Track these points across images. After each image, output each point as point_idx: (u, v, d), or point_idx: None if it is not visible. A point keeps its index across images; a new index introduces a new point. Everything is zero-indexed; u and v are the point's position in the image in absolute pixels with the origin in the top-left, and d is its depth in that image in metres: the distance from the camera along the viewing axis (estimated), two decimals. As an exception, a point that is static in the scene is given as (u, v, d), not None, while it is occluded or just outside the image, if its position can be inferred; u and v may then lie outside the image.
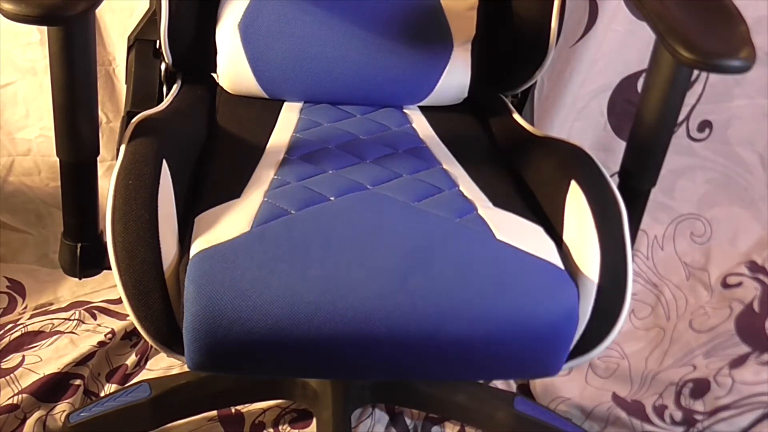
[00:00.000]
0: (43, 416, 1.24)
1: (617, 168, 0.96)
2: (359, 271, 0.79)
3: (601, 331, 0.85)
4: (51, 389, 1.28)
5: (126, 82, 1.13)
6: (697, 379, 1.45)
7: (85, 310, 1.44)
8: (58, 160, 0.85)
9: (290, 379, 1.24)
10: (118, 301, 1.37)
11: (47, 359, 1.33)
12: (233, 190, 0.89)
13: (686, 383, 1.44)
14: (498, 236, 0.87)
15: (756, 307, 1.55)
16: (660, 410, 1.40)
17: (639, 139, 0.93)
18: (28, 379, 1.29)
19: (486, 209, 0.92)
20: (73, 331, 1.39)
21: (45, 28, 0.78)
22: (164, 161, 0.83)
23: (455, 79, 1.13)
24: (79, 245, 0.88)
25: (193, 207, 0.87)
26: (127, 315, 0.84)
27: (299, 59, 1.09)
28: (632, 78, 1.51)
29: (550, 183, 0.95)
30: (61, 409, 1.25)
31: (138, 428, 1.22)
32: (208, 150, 1.00)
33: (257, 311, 0.76)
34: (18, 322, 1.40)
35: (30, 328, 1.39)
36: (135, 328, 0.81)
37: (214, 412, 1.29)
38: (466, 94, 1.16)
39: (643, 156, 0.93)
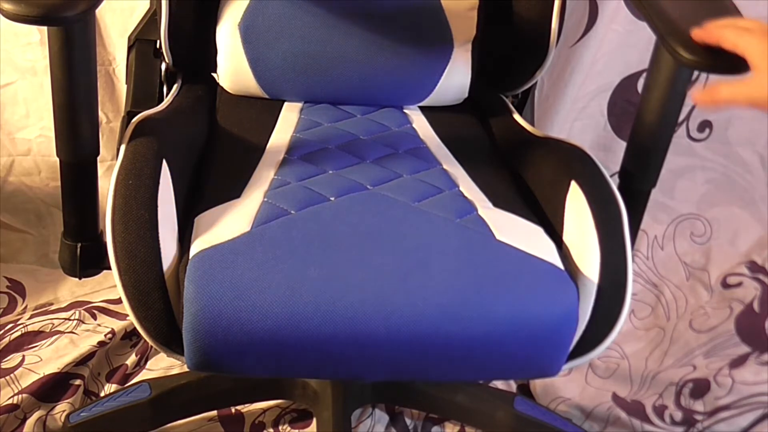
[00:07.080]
0: (43, 416, 1.24)
1: (617, 168, 0.96)
2: (359, 272, 0.79)
3: (601, 332, 0.85)
4: (51, 389, 1.28)
5: (126, 82, 1.13)
6: (697, 379, 1.45)
7: (85, 310, 1.44)
8: (58, 160, 0.85)
9: (290, 379, 1.24)
10: (118, 301, 1.36)
11: (47, 359, 1.33)
12: (233, 190, 0.89)
13: (686, 383, 1.44)
14: (498, 237, 0.87)
15: (756, 307, 1.55)
16: (660, 410, 1.40)
17: (639, 140, 0.93)
18: (28, 379, 1.29)
19: (486, 210, 0.92)
20: (73, 331, 1.39)
21: (45, 28, 0.79)
22: (164, 161, 0.83)
23: (455, 79, 1.13)
24: (79, 245, 0.89)
25: (193, 207, 0.87)
26: (127, 315, 0.84)
27: (299, 59, 1.09)
28: (632, 78, 1.51)
29: (550, 183, 0.95)
30: (61, 409, 1.25)
31: (138, 428, 1.22)
32: (208, 150, 1.00)
33: (257, 311, 0.76)
34: (18, 322, 1.40)
35: (30, 328, 1.39)
36: (135, 328, 0.81)
37: (214, 412, 1.29)
38: (466, 95, 1.15)
39: (644, 156, 0.93)
